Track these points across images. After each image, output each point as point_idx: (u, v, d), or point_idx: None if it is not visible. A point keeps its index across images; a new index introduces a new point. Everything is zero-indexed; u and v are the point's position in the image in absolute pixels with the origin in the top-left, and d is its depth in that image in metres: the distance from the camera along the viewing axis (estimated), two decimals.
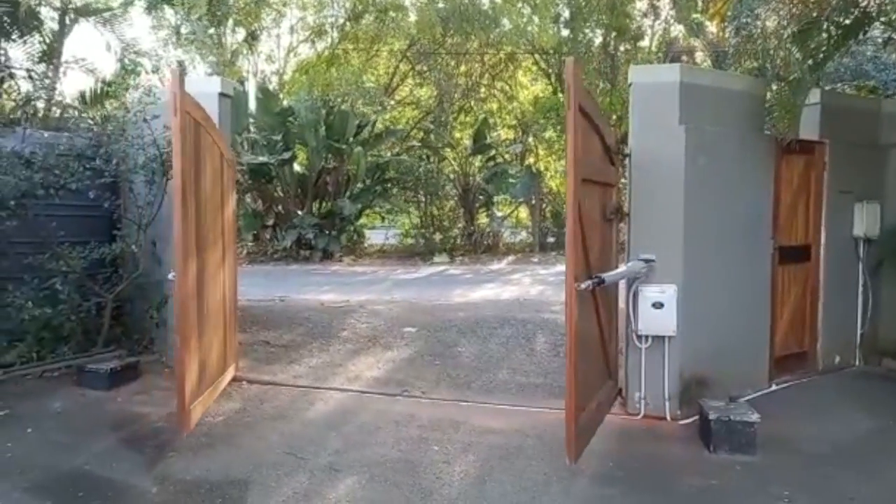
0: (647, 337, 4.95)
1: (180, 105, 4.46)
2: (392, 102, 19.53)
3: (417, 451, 4.33)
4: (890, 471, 4.15)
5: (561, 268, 10.63)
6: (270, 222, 17.08)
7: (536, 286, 11.40)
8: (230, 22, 17.44)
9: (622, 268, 4.99)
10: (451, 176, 18.96)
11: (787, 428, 4.72)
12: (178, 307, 4.63)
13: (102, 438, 4.54)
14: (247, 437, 4.60)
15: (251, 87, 17.75)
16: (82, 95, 8.73)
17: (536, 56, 19.30)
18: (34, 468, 4.03)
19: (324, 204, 17.22)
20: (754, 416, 4.33)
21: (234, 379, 5.90)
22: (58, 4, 9.93)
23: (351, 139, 16.53)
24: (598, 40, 17.99)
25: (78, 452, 4.27)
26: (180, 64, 16.33)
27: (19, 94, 8.14)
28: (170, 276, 4.75)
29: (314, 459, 4.19)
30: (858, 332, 6.39)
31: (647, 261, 4.92)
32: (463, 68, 19.20)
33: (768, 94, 5.76)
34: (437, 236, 17.72)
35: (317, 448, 4.38)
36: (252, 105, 16.56)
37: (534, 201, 18.79)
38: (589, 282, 4.17)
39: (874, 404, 5.35)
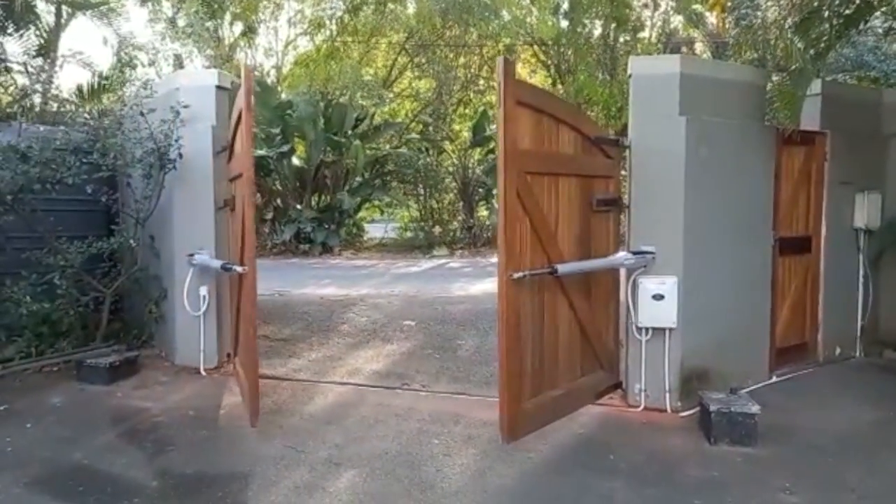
0: (647, 329, 4.94)
1: (251, 102, 4.58)
2: (390, 95, 19.45)
3: (418, 445, 4.32)
4: (891, 462, 4.14)
5: None
6: (269, 216, 17.03)
7: None
8: (227, 16, 17.36)
9: (595, 261, 4.95)
10: (451, 169, 18.91)
11: (788, 419, 4.72)
12: (248, 301, 4.70)
13: (102, 433, 4.53)
14: (248, 430, 4.59)
15: None
16: (79, 89, 8.70)
17: (535, 48, 19.20)
18: (34, 463, 4.02)
19: (323, 197, 17.19)
20: (755, 408, 4.32)
21: (234, 373, 5.90)
22: None
23: (349, 132, 16.49)
24: (598, 31, 17.90)
25: (77, 447, 4.26)
26: (177, 57, 16.29)
27: (16, 88, 8.11)
28: (239, 269, 4.83)
29: (314, 453, 4.18)
30: (859, 323, 6.38)
31: (643, 253, 4.91)
32: (462, 60, 19.13)
33: (769, 85, 5.74)
34: (437, 229, 17.71)
35: (317, 442, 4.37)
36: None
37: None
38: (525, 272, 4.18)
39: (875, 395, 5.35)
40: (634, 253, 4.92)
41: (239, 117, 4.94)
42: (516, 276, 4.12)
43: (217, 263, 5.57)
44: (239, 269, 4.86)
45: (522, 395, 4.36)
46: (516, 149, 4.17)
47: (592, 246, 4.96)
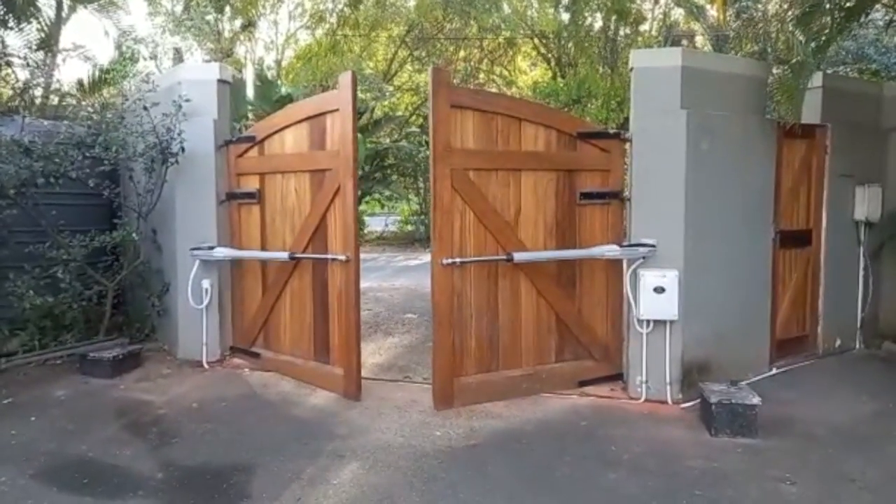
0: (648, 321, 4.96)
1: (356, 101, 4.92)
2: (391, 89, 19.42)
3: (420, 437, 4.35)
4: (892, 453, 4.17)
5: None
6: None
7: None
8: (227, 10, 17.31)
9: (566, 251, 5.12)
10: None
11: (789, 411, 4.75)
12: (353, 288, 5.04)
13: (106, 425, 4.56)
14: (251, 422, 4.63)
15: (249, 75, 17.65)
16: (80, 83, 8.69)
17: (536, 40, 19.16)
18: (39, 455, 4.05)
19: None
20: (755, 399, 4.36)
21: (237, 365, 5.93)
22: None
23: None
24: (599, 24, 17.85)
25: (82, 439, 4.29)
26: (177, 51, 16.26)
27: (17, 81, 8.10)
28: (341, 258, 5.05)
29: (318, 445, 4.21)
30: (859, 315, 6.40)
31: (638, 245, 4.94)
32: (462, 53, 19.10)
33: (770, 78, 5.73)
34: None
35: (321, 434, 4.40)
36: (250, 93, 16.49)
37: None
38: (455, 259, 4.70)
39: (875, 387, 5.37)
40: (623, 245, 4.98)
41: (330, 112, 5.17)
42: (445, 262, 4.68)
43: (283, 255, 5.54)
44: (341, 257, 5.04)
45: (461, 369, 4.88)
46: (449, 148, 4.66)
47: (578, 238, 5.15)
